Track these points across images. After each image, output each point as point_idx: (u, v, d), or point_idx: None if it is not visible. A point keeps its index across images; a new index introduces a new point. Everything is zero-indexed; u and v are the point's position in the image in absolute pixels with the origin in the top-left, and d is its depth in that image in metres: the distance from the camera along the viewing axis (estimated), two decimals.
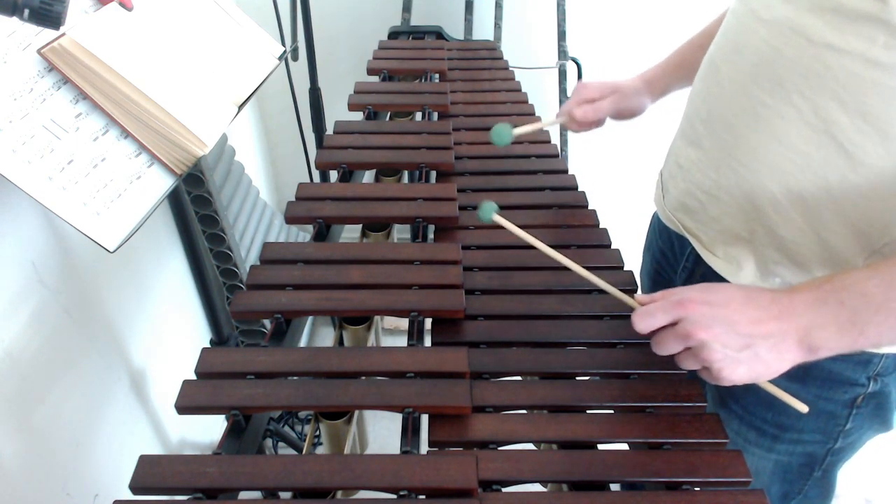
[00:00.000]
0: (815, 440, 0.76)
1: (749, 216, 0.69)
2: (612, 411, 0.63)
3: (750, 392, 0.76)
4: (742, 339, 0.54)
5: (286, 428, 1.71)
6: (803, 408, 0.61)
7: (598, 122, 0.95)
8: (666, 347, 0.57)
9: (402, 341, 0.71)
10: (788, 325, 0.54)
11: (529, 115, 1.14)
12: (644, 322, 0.57)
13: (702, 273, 0.79)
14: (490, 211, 0.70)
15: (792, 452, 0.78)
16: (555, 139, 1.14)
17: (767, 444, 0.78)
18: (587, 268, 0.77)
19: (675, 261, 0.86)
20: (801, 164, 0.63)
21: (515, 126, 0.88)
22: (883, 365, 0.69)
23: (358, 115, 1.12)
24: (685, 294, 0.57)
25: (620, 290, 0.69)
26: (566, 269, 0.76)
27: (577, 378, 0.66)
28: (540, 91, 1.75)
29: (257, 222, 1.53)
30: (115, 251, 0.74)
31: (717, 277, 0.75)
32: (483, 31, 1.73)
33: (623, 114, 0.94)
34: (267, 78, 1.04)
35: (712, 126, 0.71)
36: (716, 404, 0.82)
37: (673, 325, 0.56)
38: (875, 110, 0.57)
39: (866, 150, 0.59)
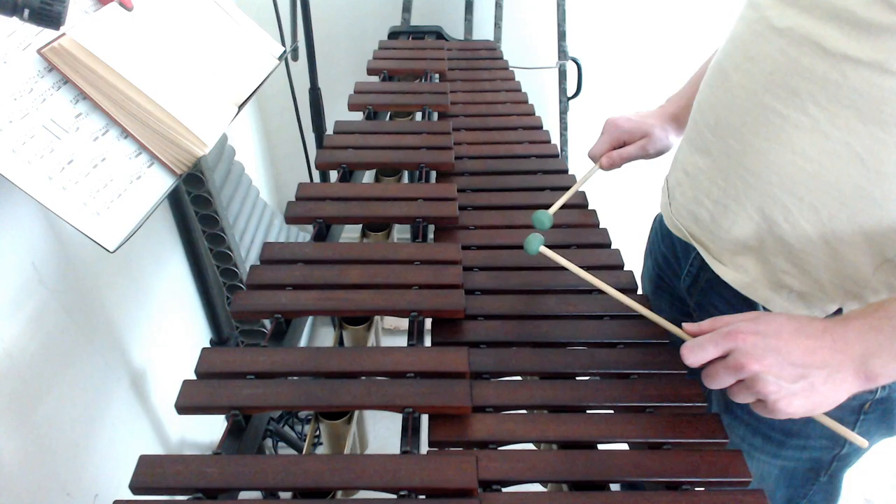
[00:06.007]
0: (821, 446, 0.75)
1: (758, 225, 0.69)
2: (612, 411, 0.63)
3: None
4: (796, 369, 0.53)
5: (286, 428, 1.71)
6: (863, 442, 0.60)
7: (621, 166, 0.93)
8: (718, 381, 0.56)
9: (402, 341, 0.71)
10: (843, 354, 0.54)
11: (529, 115, 1.14)
12: (694, 355, 0.57)
13: (706, 279, 0.79)
14: (537, 244, 0.73)
15: (798, 458, 0.78)
16: (555, 139, 1.14)
17: (773, 450, 0.78)
18: (590, 267, 0.78)
19: (678, 266, 0.86)
20: (813, 173, 0.62)
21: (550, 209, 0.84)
22: None
23: (358, 115, 1.12)
24: (735, 325, 0.56)
25: (623, 291, 0.69)
26: (566, 269, 0.76)
27: (577, 378, 0.66)
28: (540, 91, 1.75)
29: (257, 222, 1.53)
30: (115, 251, 0.74)
31: (721, 284, 0.75)
32: (483, 31, 1.73)
33: (651, 156, 0.92)
34: (267, 78, 1.04)
35: (721, 133, 0.70)
36: (721, 410, 0.82)
37: (723, 357, 0.55)
38: (892, 120, 0.56)
39: (882, 159, 0.58)
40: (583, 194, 0.94)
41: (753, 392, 0.54)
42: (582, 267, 0.78)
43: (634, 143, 0.90)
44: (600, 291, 0.72)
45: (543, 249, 0.73)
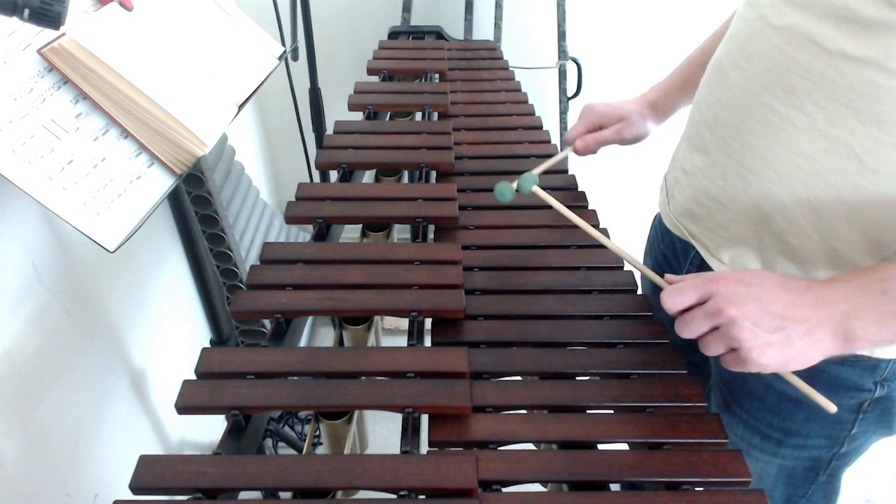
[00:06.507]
0: (820, 445, 0.76)
1: (757, 223, 0.69)
2: (612, 411, 0.63)
3: (755, 397, 0.76)
4: (774, 319, 0.52)
5: (286, 428, 1.71)
6: (832, 407, 0.59)
7: (596, 150, 0.94)
8: (693, 327, 0.55)
9: (402, 341, 0.71)
10: (825, 312, 0.53)
11: (529, 115, 1.14)
12: (674, 299, 0.55)
13: None
14: (531, 182, 0.71)
15: (797, 457, 0.78)
16: (555, 139, 1.14)
17: (772, 449, 0.78)
18: (590, 268, 0.78)
19: (677, 265, 0.86)
20: (811, 172, 0.62)
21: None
22: (889, 370, 0.69)
23: (358, 115, 1.12)
24: (718, 273, 0.56)
25: (622, 292, 0.69)
26: (566, 269, 0.76)
27: (577, 378, 0.66)
28: (540, 91, 1.75)
29: (257, 222, 1.53)
30: (115, 251, 0.74)
31: None
32: (483, 31, 1.73)
33: (627, 141, 0.92)
34: (267, 78, 1.04)
35: (719, 132, 0.70)
36: (720, 410, 0.82)
37: (702, 304, 0.55)
38: (890, 118, 0.56)
39: (880, 157, 0.58)
40: (582, 194, 0.94)
41: (728, 339, 0.53)
42: (582, 267, 0.78)
43: (610, 127, 0.91)
44: (599, 291, 0.71)
45: (536, 189, 0.71)
